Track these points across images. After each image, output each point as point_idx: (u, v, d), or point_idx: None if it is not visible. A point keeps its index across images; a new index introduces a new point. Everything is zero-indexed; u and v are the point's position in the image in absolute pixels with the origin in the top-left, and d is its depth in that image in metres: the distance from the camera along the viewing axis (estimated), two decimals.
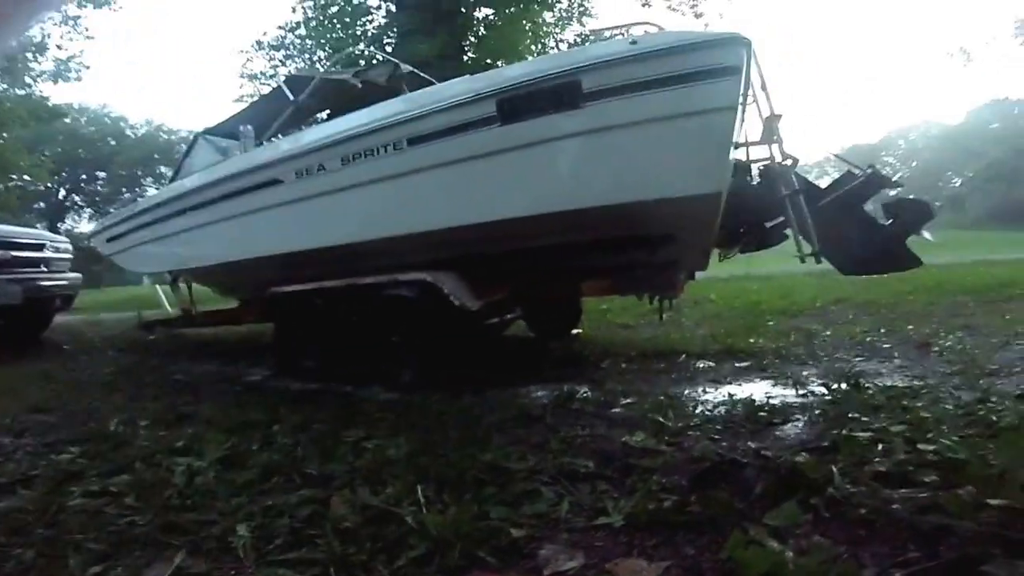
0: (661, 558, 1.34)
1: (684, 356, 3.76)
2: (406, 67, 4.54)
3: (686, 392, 2.86)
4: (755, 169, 3.47)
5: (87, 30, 20.14)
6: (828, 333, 4.40)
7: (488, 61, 10.44)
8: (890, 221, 3.30)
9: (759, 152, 3.34)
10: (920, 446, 1.68)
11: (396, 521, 1.50)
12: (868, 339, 4.09)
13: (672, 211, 2.82)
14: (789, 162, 3.17)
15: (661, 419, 2.30)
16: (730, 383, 3.03)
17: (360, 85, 4.30)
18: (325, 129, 3.72)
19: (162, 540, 1.50)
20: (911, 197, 3.54)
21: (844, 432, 1.89)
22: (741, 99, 2.82)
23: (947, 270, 8.96)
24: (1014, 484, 1.32)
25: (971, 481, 1.37)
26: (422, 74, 4.66)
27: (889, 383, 2.70)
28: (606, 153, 2.78)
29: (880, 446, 1.74)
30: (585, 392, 2.83)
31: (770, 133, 3.17)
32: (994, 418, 1.92)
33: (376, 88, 4.30)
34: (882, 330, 4.41)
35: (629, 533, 1.46)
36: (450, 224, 3.10)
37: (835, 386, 2.64)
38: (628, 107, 2.68)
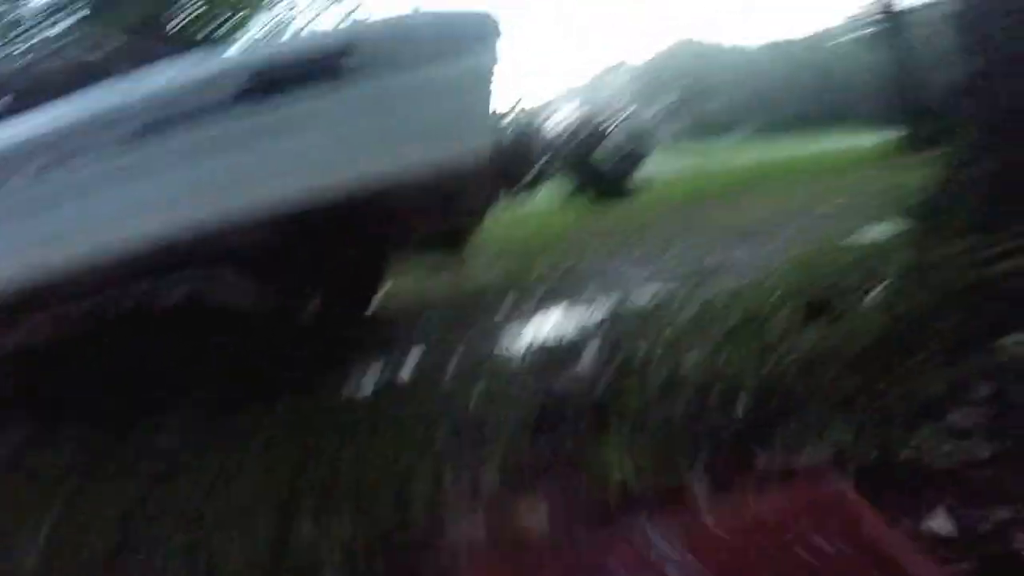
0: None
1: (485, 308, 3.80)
2: (117, 38, 3.85)
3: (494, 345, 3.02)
4: (512, 128, 3.72)
5: None
6: (588, 263, 4.66)
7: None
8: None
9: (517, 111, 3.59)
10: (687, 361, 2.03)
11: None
12: (626, 264, 4.43)
13: (439, 176, 2.89)
14: (540, 120, 3.48)
15: (481, 379, 2.40)
16: (525, 327, 3.23)
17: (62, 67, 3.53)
18: (21, 125, 3.04)
19: None
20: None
21: (632, 358, 2.19)
22: (493, 67, 2.96)
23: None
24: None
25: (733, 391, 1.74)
26: (141, 43, 3.98)
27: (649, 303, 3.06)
28: (367, 128, 2.74)
29: (659, 368, 2.03)
30: (406, 365, 2.84)
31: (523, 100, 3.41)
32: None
33: (85, 67, 3.58)
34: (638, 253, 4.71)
35: None
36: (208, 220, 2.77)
37: (609, 314, 2.99)
38: (387, 83, 2.66)
